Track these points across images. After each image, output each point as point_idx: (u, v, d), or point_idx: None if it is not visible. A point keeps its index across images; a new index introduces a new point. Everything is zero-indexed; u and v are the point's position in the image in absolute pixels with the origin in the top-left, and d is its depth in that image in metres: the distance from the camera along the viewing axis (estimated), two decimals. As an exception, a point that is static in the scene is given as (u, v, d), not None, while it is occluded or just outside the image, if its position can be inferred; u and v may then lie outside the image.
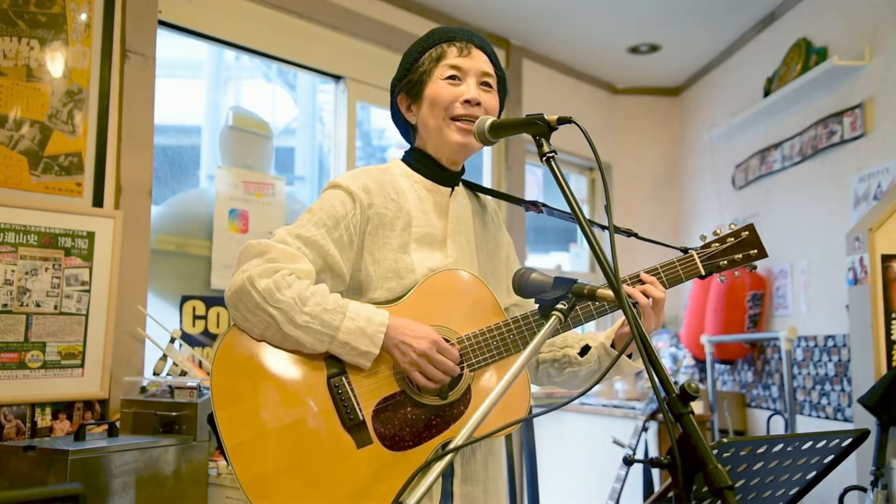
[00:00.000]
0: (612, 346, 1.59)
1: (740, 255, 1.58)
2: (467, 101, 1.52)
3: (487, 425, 1.17)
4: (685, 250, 1.60)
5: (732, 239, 1.59)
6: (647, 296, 1.49)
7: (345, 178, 1.52)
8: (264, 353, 1.40)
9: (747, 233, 1.60)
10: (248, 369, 1.39)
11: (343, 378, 1.40)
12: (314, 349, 1.39)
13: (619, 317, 1.54)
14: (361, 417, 1.38)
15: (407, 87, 1.59)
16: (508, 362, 1.48)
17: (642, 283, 1.51)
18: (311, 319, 1.36)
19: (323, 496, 1.33)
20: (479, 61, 1.57)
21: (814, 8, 3.60)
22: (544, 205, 1.68)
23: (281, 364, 1.40)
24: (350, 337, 1.37)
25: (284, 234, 1.45)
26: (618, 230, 1.67)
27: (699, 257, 1.58)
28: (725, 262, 1.58)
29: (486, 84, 1.57)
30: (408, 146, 1.67)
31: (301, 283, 1.39)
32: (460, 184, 1.65)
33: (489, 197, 1.76)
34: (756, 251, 1.59)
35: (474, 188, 1.72)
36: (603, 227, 1.60)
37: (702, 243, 1.61)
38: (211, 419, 1.36)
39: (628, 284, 1.52)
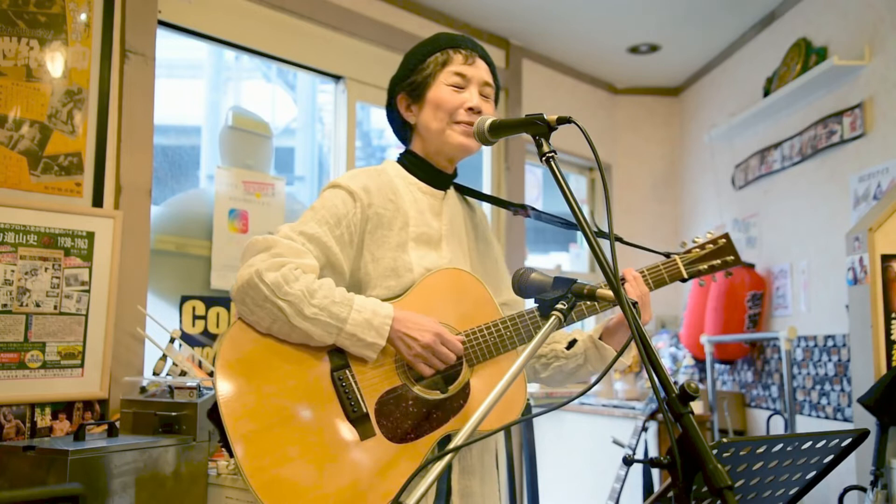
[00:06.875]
0: (601, 338, 1.64)
1: (719, 261, 1.71)
2: (470, 109, 1.57)
3: (484, 423, 1.20)
4: (668, 255, 1.69)
5: (711, 246, 1.71)
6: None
7: (345, 179, 1.55)
8: (269, 346, 1.42)
9: (724, 240, 1.72)
10: (253, 363, 1.40)
11: (347, 371, 1.43)
12: (322, 341, 1.41)
13: (601, 318, 1.57)
14: (365, 410, 1.41)
15: (409, 87, 1.63)
16: (506, 358, 1.54)
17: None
18: (320, 311, 1.39)
19: (327, 486, 1.34)
20: (481, 71, 1.63)
21: (814, 8, 3.60)
22: (532, 208, 1.74)
23: (285, 357, 1.42)
24: (357, 329, 1.40)
25: (288, 230, 1.48)
26: (602, 234, 1.70)
27: (682, 262, 1.67)
28: (706, 267, 1.69)
29: (486, 94, 1.63)
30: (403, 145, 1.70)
31: (308, 277, 1.42)
32: (452, 187, 1.69)
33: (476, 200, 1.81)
34: (733, 258, 1.71)
35: (464, 191, 1.76)
36: (601, 234, 1.65)
37: (682, 249, 1.72)
38: (213, 413, 1.37)
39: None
